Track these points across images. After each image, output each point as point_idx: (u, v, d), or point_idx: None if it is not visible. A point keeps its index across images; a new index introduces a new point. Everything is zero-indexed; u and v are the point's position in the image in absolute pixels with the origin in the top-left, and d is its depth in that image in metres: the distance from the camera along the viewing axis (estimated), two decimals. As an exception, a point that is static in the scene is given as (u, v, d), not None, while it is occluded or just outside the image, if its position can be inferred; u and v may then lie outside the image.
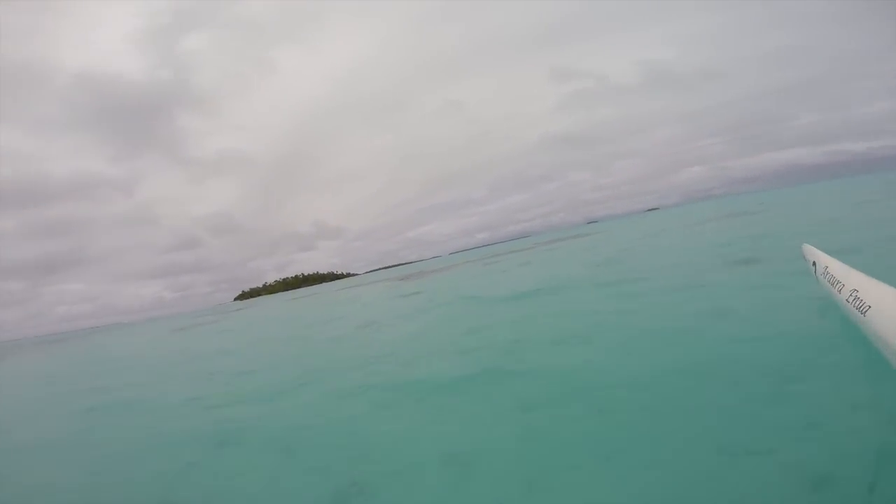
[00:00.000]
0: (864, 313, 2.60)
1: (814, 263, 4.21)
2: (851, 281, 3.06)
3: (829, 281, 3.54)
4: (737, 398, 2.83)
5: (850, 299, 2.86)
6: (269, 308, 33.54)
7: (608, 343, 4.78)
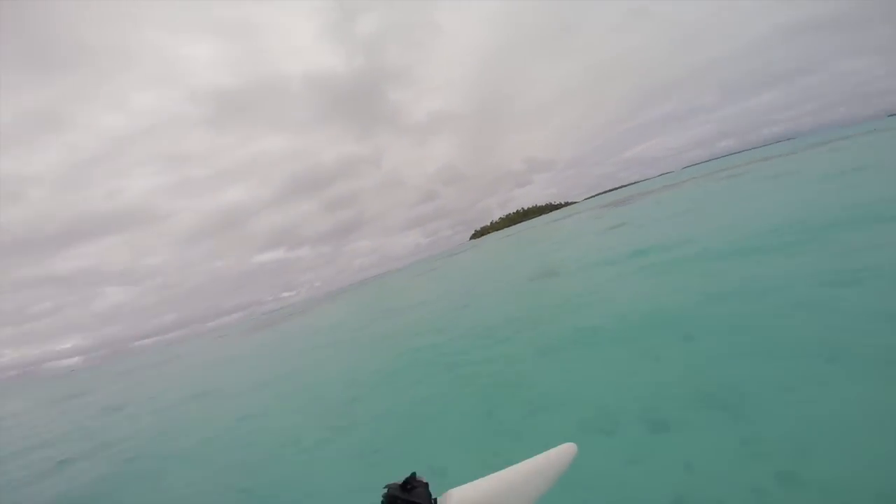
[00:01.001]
0: None
1: None
2: None
3: None
4: None
5: None
6: (483, 250, 36.21)
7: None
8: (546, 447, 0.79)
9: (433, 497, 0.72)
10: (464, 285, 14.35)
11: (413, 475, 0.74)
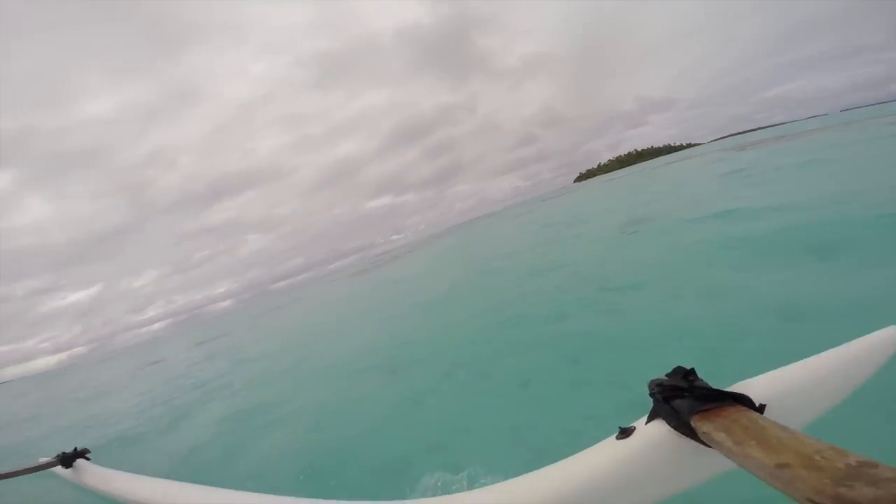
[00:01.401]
0: None
1: None
2: None
3: None
4: None
5: None
6: (583, 193, 33.23)
7: None
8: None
9: (720, 388, 0.70)
10: (549, 231, 13.99)
11: (682, 368, 0.73)
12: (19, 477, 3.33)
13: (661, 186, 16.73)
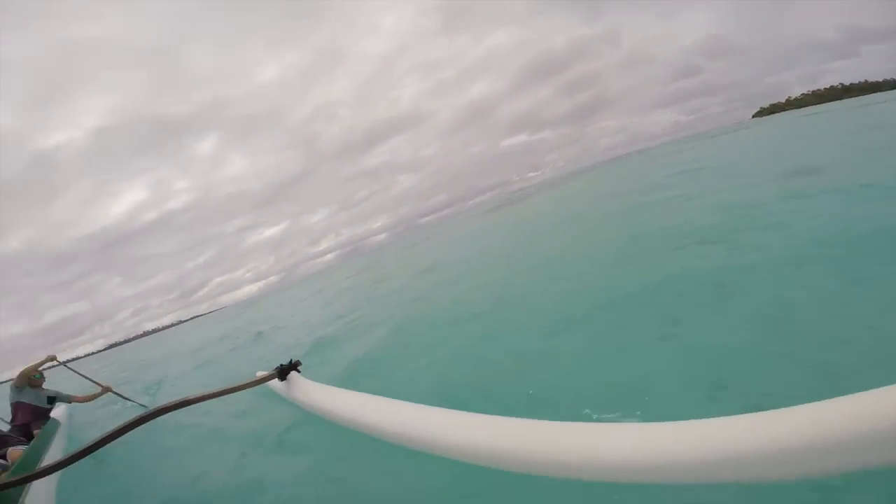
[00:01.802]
0: None
1: None
2: None
3: None
4: None
5: None
6: (759, 131, 27.30)
7: None
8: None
9: None
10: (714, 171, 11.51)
11: None
12: (244, 391, 3.28)
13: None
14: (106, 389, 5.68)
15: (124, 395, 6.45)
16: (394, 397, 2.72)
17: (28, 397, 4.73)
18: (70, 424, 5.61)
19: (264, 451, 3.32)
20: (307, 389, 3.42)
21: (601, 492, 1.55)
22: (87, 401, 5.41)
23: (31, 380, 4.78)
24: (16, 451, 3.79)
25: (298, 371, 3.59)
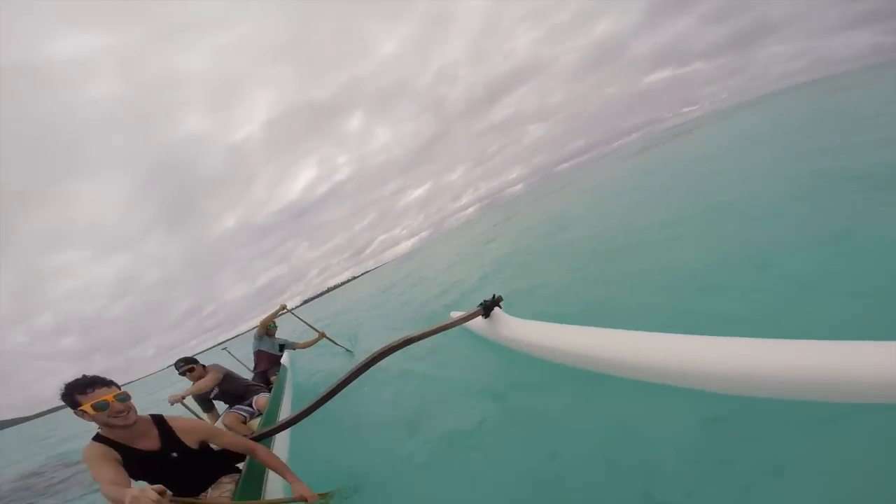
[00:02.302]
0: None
1: None
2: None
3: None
4: None
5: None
6: None
7: None
8: None
9: None
10: None
11: None
12: (449, 330, 3.42)
13: None
14: (321, 335, 6.31)
15: (335, 340, 7.10)
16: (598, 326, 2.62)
17: (266, 346, 5.40)
18: (292, 370, 6.44)
19: (481, 393, 3.13)
20: (512, 325, 3.29)
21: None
22: (306, 347, 6.06)
23: (268, 329, 5.43)
24: (262, 399, 4.05)
25: (500, 307, 3.43)
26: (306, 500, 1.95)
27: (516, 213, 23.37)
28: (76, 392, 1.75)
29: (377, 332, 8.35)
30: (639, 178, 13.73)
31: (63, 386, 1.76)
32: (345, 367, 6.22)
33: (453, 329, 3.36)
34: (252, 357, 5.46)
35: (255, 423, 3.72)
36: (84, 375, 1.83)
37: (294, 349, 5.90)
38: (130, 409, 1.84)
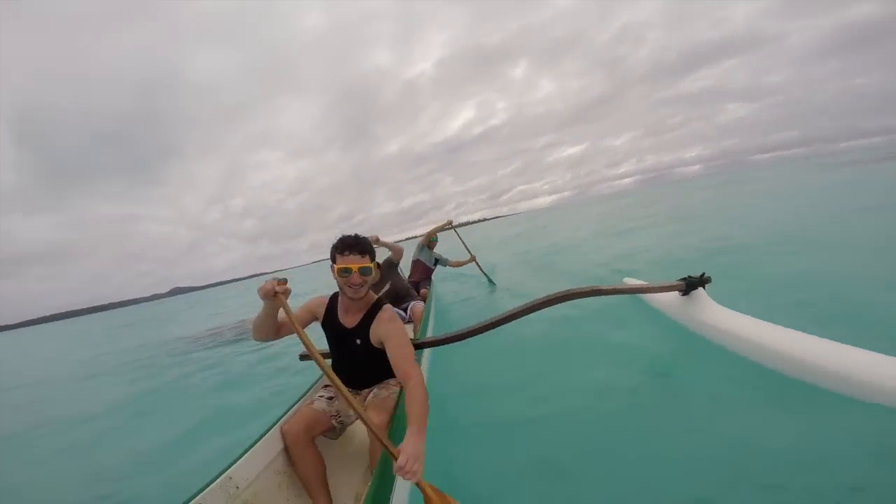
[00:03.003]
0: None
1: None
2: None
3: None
4: None
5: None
6: None
7: None
8: None
9: None
10: None
11: None
12: (649, 294, 3.19)
13: None
14: (472, 259, 6.55)
15: (483, 268, 7.17)
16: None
17: (424, 256, 5.82)
18: (436, 286, 6.72)
19: (651, 374, 2.84)
20: (714, 311, 2.89)
21: None
22: (457, 266, 6.37)
23: (430, 241, 5.81)
24: (417, 307, 4.00)
25: (705, 288, 2.99)
26: (403, 473, 1.26)
27: (688, 197, 20.02)
28: (336, 250, 1.82)
29: (515, 273, 8.38)
30: (881, 191, 10.30)
31: (336, 240, 1.84)
32: (485, 296, 6.44)
33: (626, 296, 3.11)
34: (408, 265, 5.71)
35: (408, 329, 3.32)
36: (352, 237, 1.83)
37: (446, 266, 6.22)
38: (364, 284, 1.82)
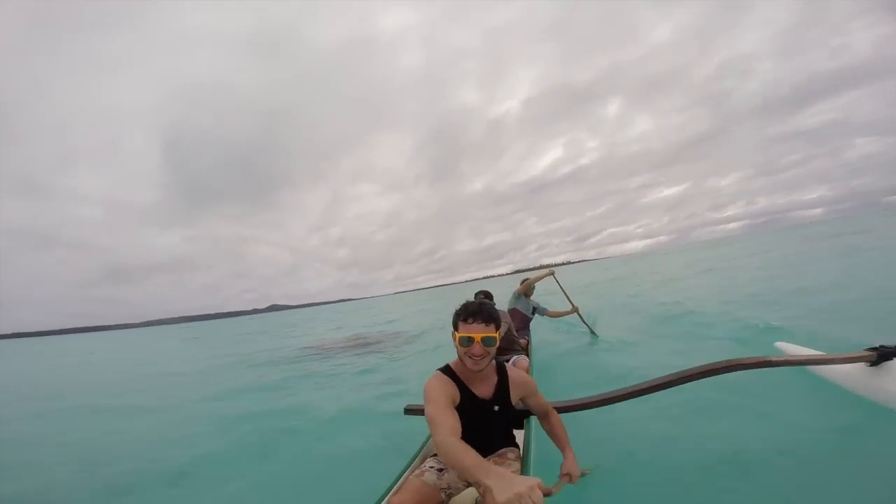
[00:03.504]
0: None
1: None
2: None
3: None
4: None
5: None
6: None
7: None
8: None
9: None
10: None
11: None
12: (827, 366, 2.85)
13: None
14: (574, 309, 6.09)
15: (586, 320, 6.67)
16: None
17: (522, 305, 5.50)
18: (535, 338, 6.25)
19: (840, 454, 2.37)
20: None
21: None
22: (557, 316, 5.93)
23: (528, 290, 5.50)
24: (522, 362, 3.74)
25: None
26: (571, 479, 1.67)
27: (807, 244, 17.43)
28: (460, 318, 1.73)
29: (616, 323, 7.66)
30: None
31: (460, 306, 1.77)
32: (587, 349, 5.85)
33: (786, 368, 2.74)
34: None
35: None
36: (476, 303, 1.76)
37: (543, 315, 5.83)
38: (488, 355, 1.71)
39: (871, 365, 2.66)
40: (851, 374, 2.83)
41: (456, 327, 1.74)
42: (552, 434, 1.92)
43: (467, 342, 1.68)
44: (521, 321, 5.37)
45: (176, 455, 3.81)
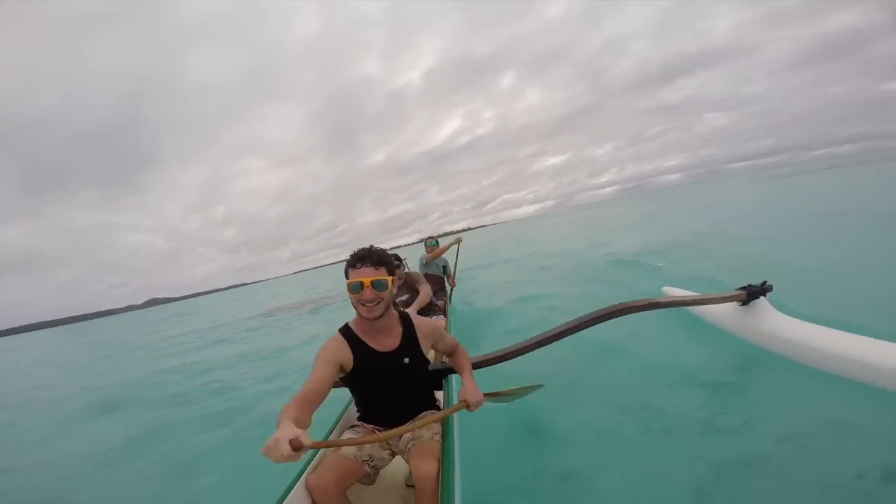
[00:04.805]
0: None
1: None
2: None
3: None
4: None
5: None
6: None
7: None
8: None
9: None
10: None
11: None
12: (706, 307, 3.09)
13: None
14: (457, 241, 5.91)
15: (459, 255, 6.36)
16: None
17: (433, 269, 5.50)
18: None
19: (713, 388, 2.67)
20: (779, 321, 2.76)
21: None
22: (447, 252, 5.87)
23: (436, 257, 5.48)
24: (440, 322, 3.72)
25: (766, 297, 2.85)
26: (469, 406, 1.60)
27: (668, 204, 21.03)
28: (349, 264, 1.62)
29: (502, 286, 8.24)
30: (846, 194, 11.08)
31: (350, 253, 1.65)
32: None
33: (669, 309, 2.95)
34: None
35: None
36: (366, 248, 1.63)
37: (447, 266, 5.77)
38: (380, 301, 1.58)
39: (742, 304, 2.89)
40: (727, 315, 3.09)
41: (347, 275, 1.61)
42: (456, 365, 1.92)
43: (357, 288, 1.56)
44: (436, 283, 5.37)
45: None
